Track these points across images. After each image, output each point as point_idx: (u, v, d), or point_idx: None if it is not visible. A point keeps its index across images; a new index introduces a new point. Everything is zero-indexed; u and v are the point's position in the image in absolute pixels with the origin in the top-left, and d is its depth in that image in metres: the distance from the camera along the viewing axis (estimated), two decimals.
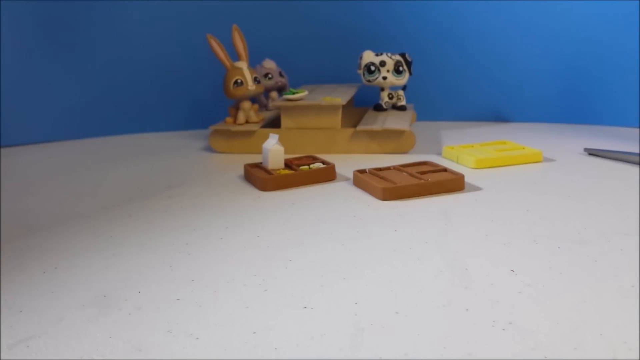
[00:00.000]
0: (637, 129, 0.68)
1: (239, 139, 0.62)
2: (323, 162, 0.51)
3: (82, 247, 0.36)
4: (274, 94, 0.72)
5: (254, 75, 0.62)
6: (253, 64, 0.67)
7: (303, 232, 0.37)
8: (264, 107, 0.72)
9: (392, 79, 0.66)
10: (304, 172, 0.49)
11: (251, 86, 0.62)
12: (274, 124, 0.65)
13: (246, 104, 0.63)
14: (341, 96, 0.63)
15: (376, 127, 0.59)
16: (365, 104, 0.75)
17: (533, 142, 0.60)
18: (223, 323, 0.26)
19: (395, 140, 0.59)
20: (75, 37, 0.72)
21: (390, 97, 0.68)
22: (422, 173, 0.47)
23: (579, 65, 0.72)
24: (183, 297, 0.29)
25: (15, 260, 0.34)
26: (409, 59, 0.66)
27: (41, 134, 0.72)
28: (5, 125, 0.69)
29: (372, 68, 0.65)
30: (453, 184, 0.45)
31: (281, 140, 0.51)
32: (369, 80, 0.66)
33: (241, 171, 0.53)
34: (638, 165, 0.51)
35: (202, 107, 0.77)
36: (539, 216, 0.39)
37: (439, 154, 0.58)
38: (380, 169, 0.49)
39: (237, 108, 0.63)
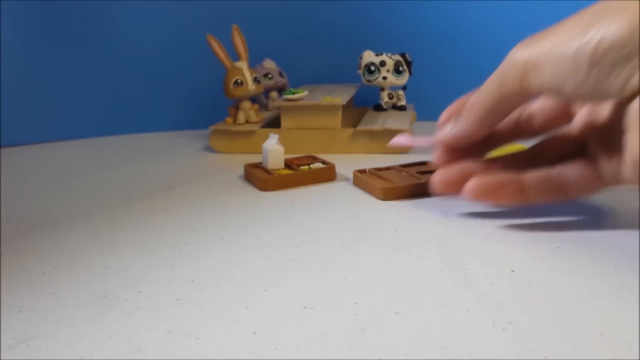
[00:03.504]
0: None
1: (239, 139, 0.62)
2: (323, 162, 0.51)
3: (82, 247, 0.36)
4: (274, 94, 0.72)
5: (254, 75, 0.62)
6: (253, 64, 0.67)
7: (303, 232, 0.37)
8: (264, 107, 0.72)
9: (392, 79, 0.66)
10: (304, 172, 0.49)
11: (251, 86, 0.62)
12: (274, 124, 0.65)
13: (246, 104, 0.63)
14: (341, 96, 0.63)
15: (376, 127, 0.59)
16: (365, 104, 0.75)
17: (533, 142, 0.60)
18: (223, 323, 0.26)
19: None
20: (75, 37, 0.72)
21: (390, 97, 0.68)
22: (422, 173, 0.47)
23: None
24: (183, 297, 0.29)
25: (15, 260, 0.34)
26: (409, 59, 0.66)
27: (41, 134, 0.72)
28: (5, 125, 0.69)
29: (372, 68, 0.65)
30: None
31: (281, 140, 0.51)
32: (369, 80, 0.66)
33: (241, 171, 0.53)
34: None
35: (202, 107, 0.77)
36: (539, 216, 0.39)
37: None
38: (380, 169, 0.49)
39: (237, 108, 0.63)
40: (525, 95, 0.33)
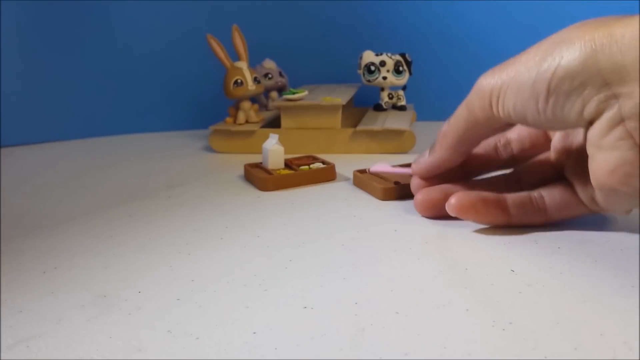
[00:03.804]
0: None
1: (239, 139, 0.62)
2: (323, 162, 0.51)
3: (82, 247, 0.36)
4: (274, 94, 0.72)
5: (254, 75, 0.62)
6: (253, 64, 0.67)
7: (303, 232, 0.37)
8: (264, 107, 0.72)
9: (392, 79, 0.66)
10: (304, 172, 0.49)
11: (251, 86, 0.62)
12: (274, 124, 0.65)
13: (246, 104, 0.63)
14: (341, 96, 0.63)
15: (376, 127, 0.59)
16: (365, 104, 0.75)
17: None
18: (223, 323, 0.26)
19: (395, 140, 0.59)
20: (75, 37, 0.72)
21: (390, 97, 0.68)
22: None
23: None
24: (183, 297, 0.29)
25: (15, 260, 0.34)
26: (409, 59, 0.66)
27: (41, 134, 0.72)
28: (5, 125, 0.69)
29: (372, 68, 0.65)
30: None
31: (281, 140, 0.51)
32: (369, 80, 0.66)
33: (241, 171, 0.53)
34: None
35: (202, 107, 0.77)
36: None
37: None
38: None
39: (237, 108, 0.63)
40: (494, 121, 0.33)
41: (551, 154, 0.38)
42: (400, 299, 0.28)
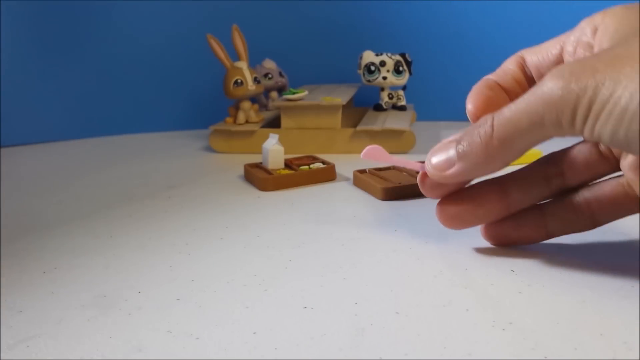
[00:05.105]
0: None
1: (239, 139, 0.62)
2: (323, 162, 0.51)
3: (82, 247, 0.36)
4: (274, 94, 0.72)
5: (254, 75, 0.62)
6: (253, 64, 0.67)
7: (303, 232, 0.37)
8: (264, 107, 0.72)
9: (392, 79, 0.66)
10: (304, 172, 0.49)
11: (251, 86, 0.62)
12: (274, 124, 0.65)
13: (246, 104, 0.63)
14: (341, 96, 0.63)
15: (376, 127, 0.59)
16: (365, 104, 0.75)
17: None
18: (223, 323, 0.26)
19: (395, 140, 0.59)
20: (75, 37, 0.72)
21: (390, 97, 0.68)
22: None
23: None
24: (183, 297, 0.29)
25: (15, 260, 0.34)
26: (409, 59, 0.66)
27: (41, 134, 0.72)
28: (5, 125, 0.69)
29: (372, 68, 0.65)
30: None
31: (281, 140, 0.51)
32: (369, 80, 0.66)
33: (241, 171, 0.53)
34: None
35: (202, 107, 0.77)
36: None
37: None
38: (380, 169, 0.49)
39: (237, 108, 0.63)
40: (570, 135, 0.25)
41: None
42: (400, 299, 0.28)
